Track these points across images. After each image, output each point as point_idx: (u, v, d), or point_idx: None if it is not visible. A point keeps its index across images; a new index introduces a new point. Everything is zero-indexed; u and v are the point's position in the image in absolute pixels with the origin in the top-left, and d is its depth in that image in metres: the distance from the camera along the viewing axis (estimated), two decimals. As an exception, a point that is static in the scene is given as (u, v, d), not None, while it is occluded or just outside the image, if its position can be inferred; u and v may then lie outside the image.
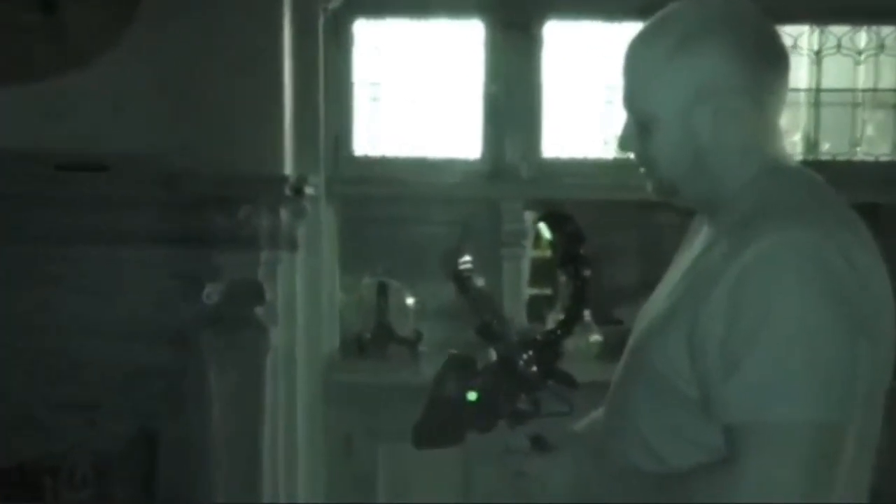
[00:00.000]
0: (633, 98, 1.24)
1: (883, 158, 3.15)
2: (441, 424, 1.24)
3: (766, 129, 1.21)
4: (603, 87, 3.07)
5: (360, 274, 3.09)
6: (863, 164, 3.15)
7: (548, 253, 3.15)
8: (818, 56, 3.16)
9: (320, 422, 2.87)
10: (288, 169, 2.69)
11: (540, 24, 3.07)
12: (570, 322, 1.33)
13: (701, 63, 1.17)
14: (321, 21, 2.90)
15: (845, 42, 3.15)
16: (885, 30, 3.17)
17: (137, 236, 2.56)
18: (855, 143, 3.18)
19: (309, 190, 2.68)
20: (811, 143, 3.20)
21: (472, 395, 1.25)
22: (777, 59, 1.21)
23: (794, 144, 3.18)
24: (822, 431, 1.04)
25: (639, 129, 1.24)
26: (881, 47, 3.17)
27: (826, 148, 3.20)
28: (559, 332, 1.32)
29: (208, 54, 2.59)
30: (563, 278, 3.24)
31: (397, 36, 3.11)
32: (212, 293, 2.43)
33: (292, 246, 2.62)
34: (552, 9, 3.08)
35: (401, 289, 3.06)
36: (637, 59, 1.23)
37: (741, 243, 1.10)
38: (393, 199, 3.10)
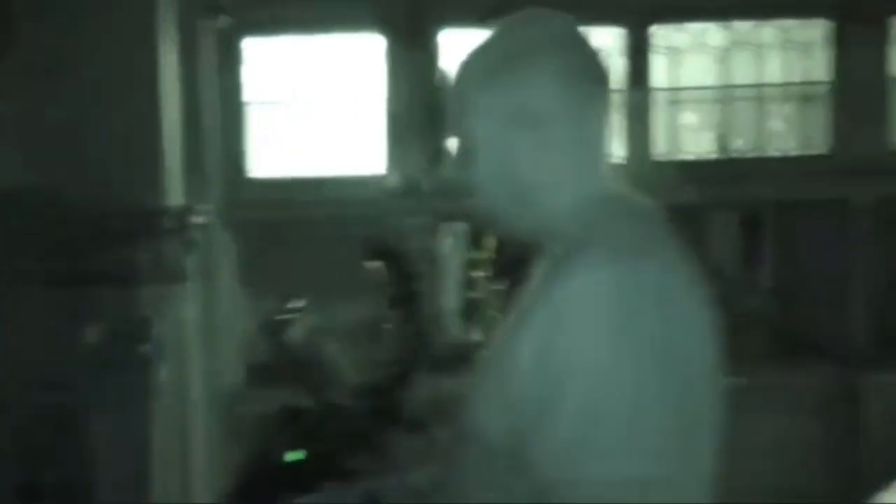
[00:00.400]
0: (455, 121, 1.17)
1: (792, 153, 3.12)
2: (256, 488, 1.16)
3: (590, 157, 1.14)
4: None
5: (266, 299, 2.99)
6: (773, 159, 3.11)
7: (482, 255, 3.10)
8: (724, 52, 3.12)
9: (220, 457, 2.77)
10: (176, 198, 2.59)
11: (435, 33, 3.00)
12: (408, 370, 1.26)
13: (520, 88, 1.10)
14: (206, 42, 2.80)
15: (750, 38, 3.11)
16: (789, 23, 3.14)
17: (19, 276, 2.45)
18: (765, 139, 3.14)
19: (198, 219, 2.58)
20: (722, 141, 3.15)
21: (294, 455, 1.17)
22: (600, 84, 1.14)
23: (704, 143, 3.13)
24: (636, 485, 0.97)
25: (462, 155, 1.16)
26: (787, 41, 3.14)
27: (738, 145, 3.16)
28: (396, 379, 1.25)
29: (82, 83, 2.47)
30: (491, 287, 3.20)
31: (292, 53, 3.01)
32: (93, 334, 2.32)
33: (179, 279, 2.51)
34: (447, 17, 3.00)
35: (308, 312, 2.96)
36: (459, 81, 1.16)
37: (554, 284, 1.02)
38: (295, 221, 3.01)
